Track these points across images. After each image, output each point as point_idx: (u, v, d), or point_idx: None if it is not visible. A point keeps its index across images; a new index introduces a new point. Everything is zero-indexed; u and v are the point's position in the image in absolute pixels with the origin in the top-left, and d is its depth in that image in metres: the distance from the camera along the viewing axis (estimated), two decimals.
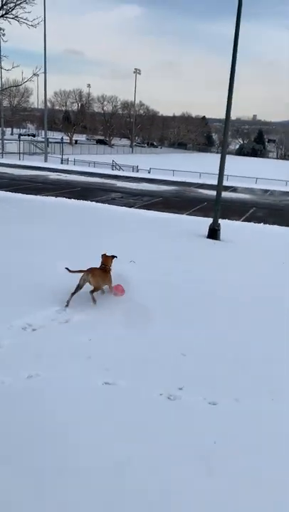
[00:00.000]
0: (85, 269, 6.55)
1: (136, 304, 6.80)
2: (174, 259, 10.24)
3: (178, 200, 22.99)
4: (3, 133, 57.99)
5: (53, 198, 18.95)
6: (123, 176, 33.86)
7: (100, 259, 7.03)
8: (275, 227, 16.45)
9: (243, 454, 3.80)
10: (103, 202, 19.39)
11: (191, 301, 7.45)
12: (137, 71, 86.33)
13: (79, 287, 6.44)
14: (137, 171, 40.75)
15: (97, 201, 19.29)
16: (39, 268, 8.25)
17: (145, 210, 17.89)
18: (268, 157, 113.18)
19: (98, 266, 6.86)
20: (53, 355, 5.16)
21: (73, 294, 6.41)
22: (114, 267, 7.22)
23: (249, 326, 6.64)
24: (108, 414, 4.20)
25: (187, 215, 18.06)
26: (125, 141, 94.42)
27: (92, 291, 6.52)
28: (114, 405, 4.34)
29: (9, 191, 19.86)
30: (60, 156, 47.06)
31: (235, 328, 6.51)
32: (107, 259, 6.95)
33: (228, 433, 4.07)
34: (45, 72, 41.49)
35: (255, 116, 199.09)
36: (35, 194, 19.60)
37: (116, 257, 7.16)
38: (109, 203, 19.12)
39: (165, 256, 10.38)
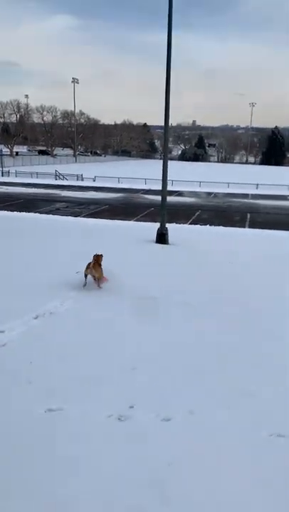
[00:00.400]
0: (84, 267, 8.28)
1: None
2: (120, 265, 10.02)
3: (125, 207, 22.85)
4: None
5: None
6: (67, 186, 33.30)
7: (93, 258, 8.33)
8: (221, 228, 16.70)
9: (201, 475, 3.48)
10: (47, 213, 18.86)
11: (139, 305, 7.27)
12: (75, 80, 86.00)
13: (86, 276, 8.27)
14: (82, 180, 40.25)
15: (40, 212, 18.73)
16: None
17: (92, 219, 17.59)
18: (209, 161, 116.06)
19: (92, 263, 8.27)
20: None
21: (85, 285, 8.27)
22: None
23: (200, 328, 6.53)
24: (49, 447, 3.75)
25: (135, 221, 17.94)
26: (68, 151, 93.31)
27: (96, 278, 8.30)
28: (57, 436, 3.90)
29: None
30: (0, 169, 45.61)
31: (186, 331, 6.37)
32: (98, 257, 8.43)
33: (184, 452, 3.76)
34: None
35: (194, 121, 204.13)
36: None
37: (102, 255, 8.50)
38: (53, 214, 18.63)
39: (112, 262, 10.14)
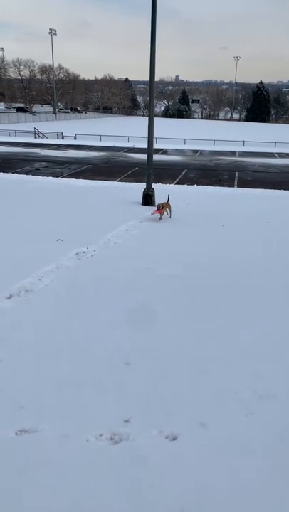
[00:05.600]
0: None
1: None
2: (103, 231, 9.41)
3: (108, 166, 21.86)
4: None
5: None
6: (48, 144, 31.83)
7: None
8: (209, 188, 16.03)
9: None
10: (26, 173, 17.85)
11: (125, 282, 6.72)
12: (52, 31, 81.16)
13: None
14: (62, 138, 38.55)
15: (19, 172, 17.70)
16: None
17: (74, 179, 16.69)
18: (193, 118, 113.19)
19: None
20: None
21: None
22: None
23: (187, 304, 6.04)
24: (23, 486, 2.86)
25: (119, 181, 17.11)
26: (48, 108, 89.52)
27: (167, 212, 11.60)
28: (33, 468, 3.01)
29: None
30: None
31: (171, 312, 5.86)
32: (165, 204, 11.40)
33: (199, 488, 2.86)
34: None
35: (177, 77, 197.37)
36: None
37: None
38: (33, 174, 17.63)
39: (93, 229, 9.51)
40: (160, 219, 11.18)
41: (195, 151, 30.64)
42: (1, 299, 5.69)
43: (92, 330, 5.00)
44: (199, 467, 3.07)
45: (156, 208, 11.34)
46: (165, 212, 11.52)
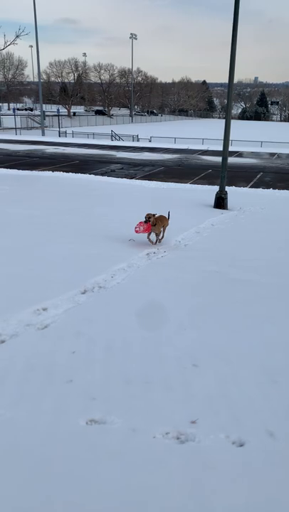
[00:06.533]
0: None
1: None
2: (173, 233, 9.46)
3: (181, 168, 21.93)
4: (0, 108, 56.30)
5: (50, 172, 18.05)
6: (123, 146, 32.60)
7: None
8: (285, 192, 15.49)
9: None
10: (102, 174, 18.44)
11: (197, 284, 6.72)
12: (133, 36, 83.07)
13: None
14: (138, 141, 39.31)
15: (96, 174, 18.34)
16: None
17: (146, 181, 16.95)
18: (271, 120, 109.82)
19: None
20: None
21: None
22: None
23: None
24: (89, 477, 2.94)
25: (191, 183, 17.10)
26: (124, 111, 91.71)
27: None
28: (100, 458, 3.11)
29: (3, 167, 18.93)
30: (58, 130, 45.56)
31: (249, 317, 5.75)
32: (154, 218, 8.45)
33: (266, 499, 2.78)
34: (36, 41, 39.77)
35: (256, 78, 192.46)
36: (31, 169, 18.68)
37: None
38: (108, 175, 18.18)
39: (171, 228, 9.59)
40: (150, 240, 8.55)
41: (272, 154, 29.74)
42: (76, 293, 5.98)
43: (160, 329, 5.08)
44: (266, 477, 3.00)
45: (144, 221, 8.27)
46: (153, 234, 8.62)
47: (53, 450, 3.16)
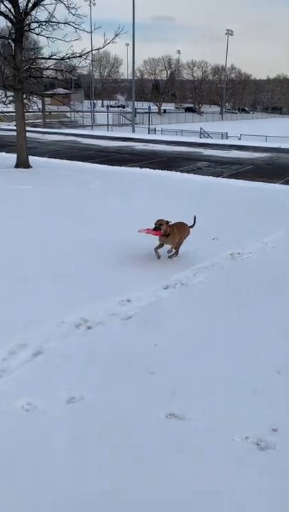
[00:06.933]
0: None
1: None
2: (259, 234, 9.19)
3: (271, 167, 21.20)
4: (94, 105, 58.70)
5: (138, 168, 18.46)
6: (211, 144, 32.27)
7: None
8: None
9: None
10: (188, 172, 18.43)
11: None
12: (229, 32, 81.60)
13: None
14: (227, 138, 38.70)
15: (182, 171, 18.39)
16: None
17: (233, 180, 16.64)
18: None
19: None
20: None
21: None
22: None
23: None
24: (165, 466, 3.01)
25: (281, 184, 16.46)
26: (215, 108, 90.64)
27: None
28: (176, 452, 3.16)
29: (95, 163, 19.74)
30: (148, 127, 46.39)
31: None
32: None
33: None
34: (133, 40, 40.68)
35: None
36: (120, 165, 19.25)
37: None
38: (194, 173, 18.13)
39: (249, 231, 9.35)
40: (156, 253, 7.04)
41: None
42: (159, 288, 6.10)
43: (242, 332, 5.00)
44: None
45: (153, 227, 6.77)
46: (164, 244, 7.01)
47: (131, 438, 3.29)
